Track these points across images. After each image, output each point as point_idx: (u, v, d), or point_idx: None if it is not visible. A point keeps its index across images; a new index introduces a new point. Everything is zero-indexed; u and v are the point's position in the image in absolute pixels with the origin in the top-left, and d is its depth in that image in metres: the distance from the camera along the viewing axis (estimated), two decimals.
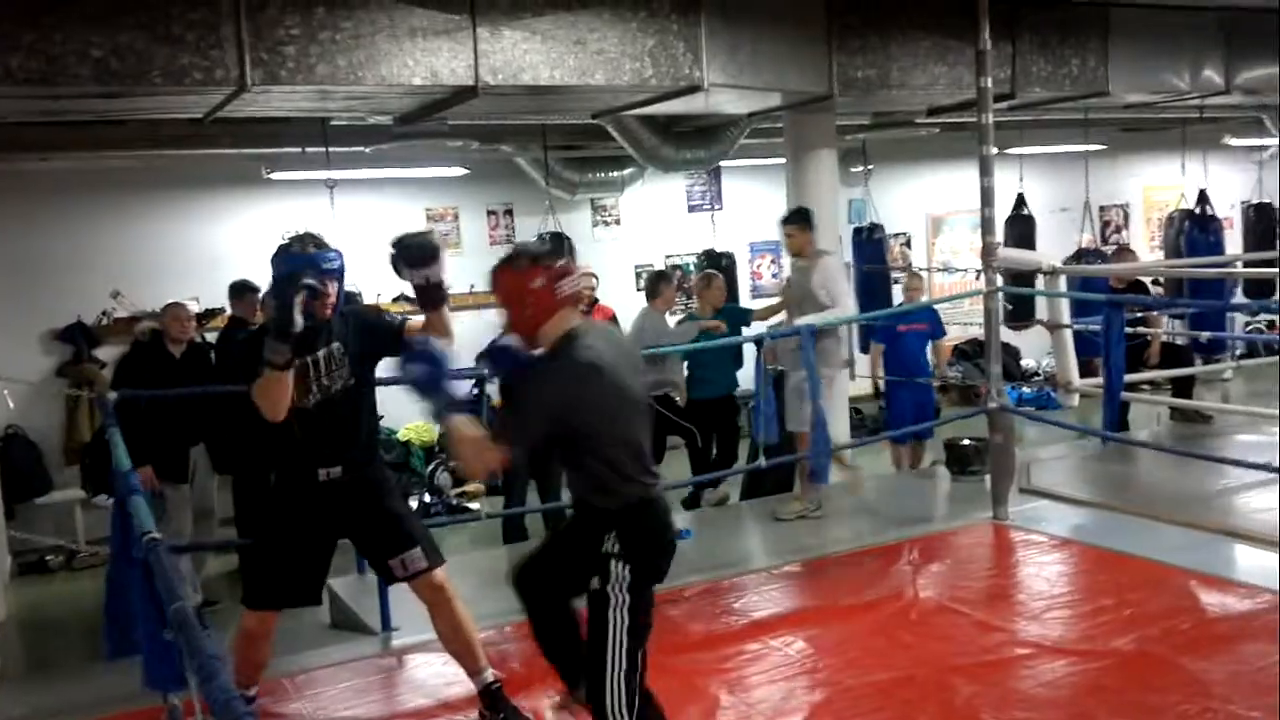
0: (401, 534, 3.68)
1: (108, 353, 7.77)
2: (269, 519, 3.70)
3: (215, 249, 8.45)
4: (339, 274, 3.58)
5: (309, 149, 6.85)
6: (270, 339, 3.30)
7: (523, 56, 4.80)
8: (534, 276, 2.93)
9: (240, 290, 6.80)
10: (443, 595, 3.69)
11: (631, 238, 10.72)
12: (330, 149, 6.64)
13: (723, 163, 9.52)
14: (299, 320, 3.29)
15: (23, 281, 7.64)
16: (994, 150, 5.56)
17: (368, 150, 7.05)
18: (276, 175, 8.10)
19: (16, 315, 7.55)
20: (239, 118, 5.51)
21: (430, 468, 9.15)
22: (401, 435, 9.13)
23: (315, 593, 3.82)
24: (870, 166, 10.68)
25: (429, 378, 2.89)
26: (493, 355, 3.05)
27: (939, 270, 11.83)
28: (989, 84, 5.39)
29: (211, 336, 7.34)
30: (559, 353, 2.92)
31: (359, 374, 3.62)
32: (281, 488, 3.66)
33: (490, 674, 3.73)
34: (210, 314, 7.77)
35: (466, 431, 2.92)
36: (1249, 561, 5.00)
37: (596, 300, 9.33)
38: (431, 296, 3.54)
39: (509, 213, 9.65)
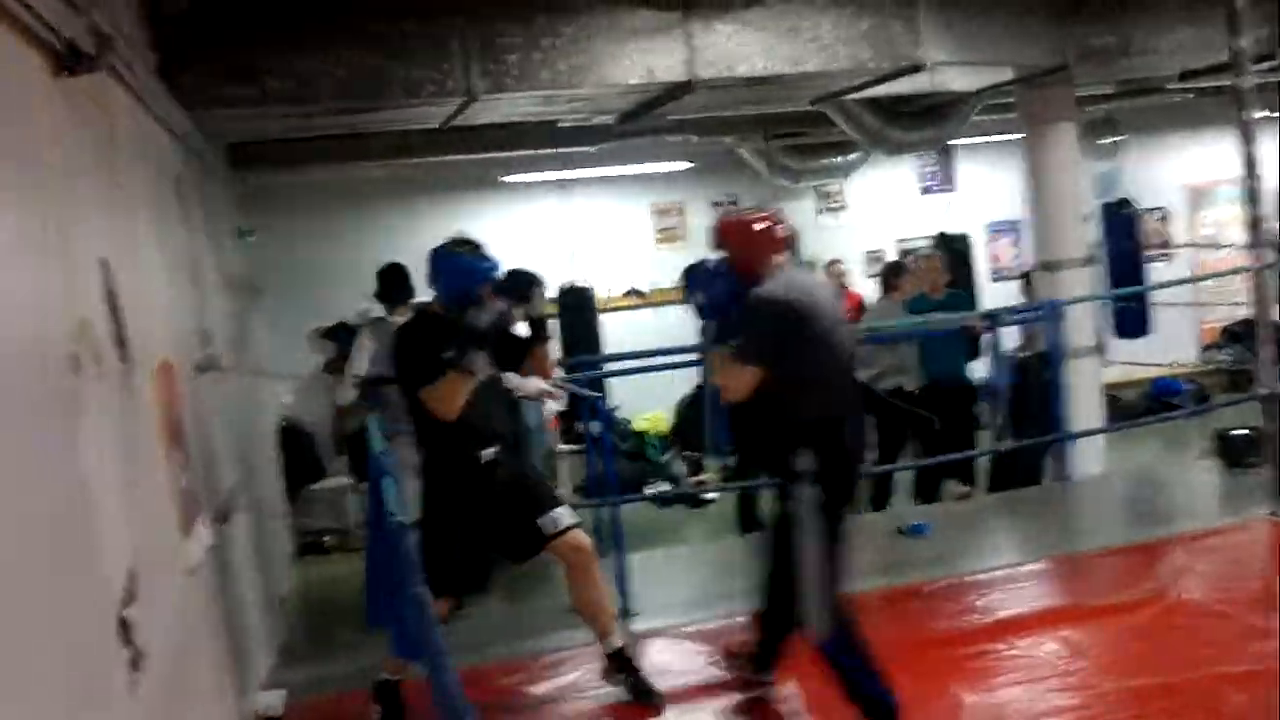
0: (548, 495, 3.91)
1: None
2: (438, 504, 3.80)
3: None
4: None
5: (539, 151, 7.09)
6: (470, 349, 3.50)
7: (736, 49, 4.80)
8: (758, 221, 3.51)
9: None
10: (584, 556, 3.82)
11: (860, 223, 10.49)
12: (559, 149, 6.85)
13: (954, 142, 9.15)
14: (485, 319, 3.54)
15: (293, 285, 8.30)
16: (1259, 114, 5.07)
17: (593, 150, 7.23)
18: (509, 178, 8.45)
19: (288, 316, 8.20)
20: (473, 125, 5.77)
21: (666, 457, 9.27)
22: (637, 425, 9.30)
23: (485, 580, 4.11)
24: (1121, 137, 9.95)
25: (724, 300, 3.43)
26: (704, 277, 3.54)
27: (1204, 246, 10.89)
28: (1246, 44, 4.90)
29: None
30: (769, 285, 3.37)
31: (495, 364, 3.80)
32: (448, 472, 3.78)
33: (618, 639, 3.93)
34: None
35: (722, 361, 3.45)
36: None
37: (845, 287, 9.22)
38: (539, 331, 3.92)
39: (734, 204, 9.64)
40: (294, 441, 8.16)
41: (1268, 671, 3.71)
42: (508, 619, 5.08)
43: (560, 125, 6.49)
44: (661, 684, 4.05)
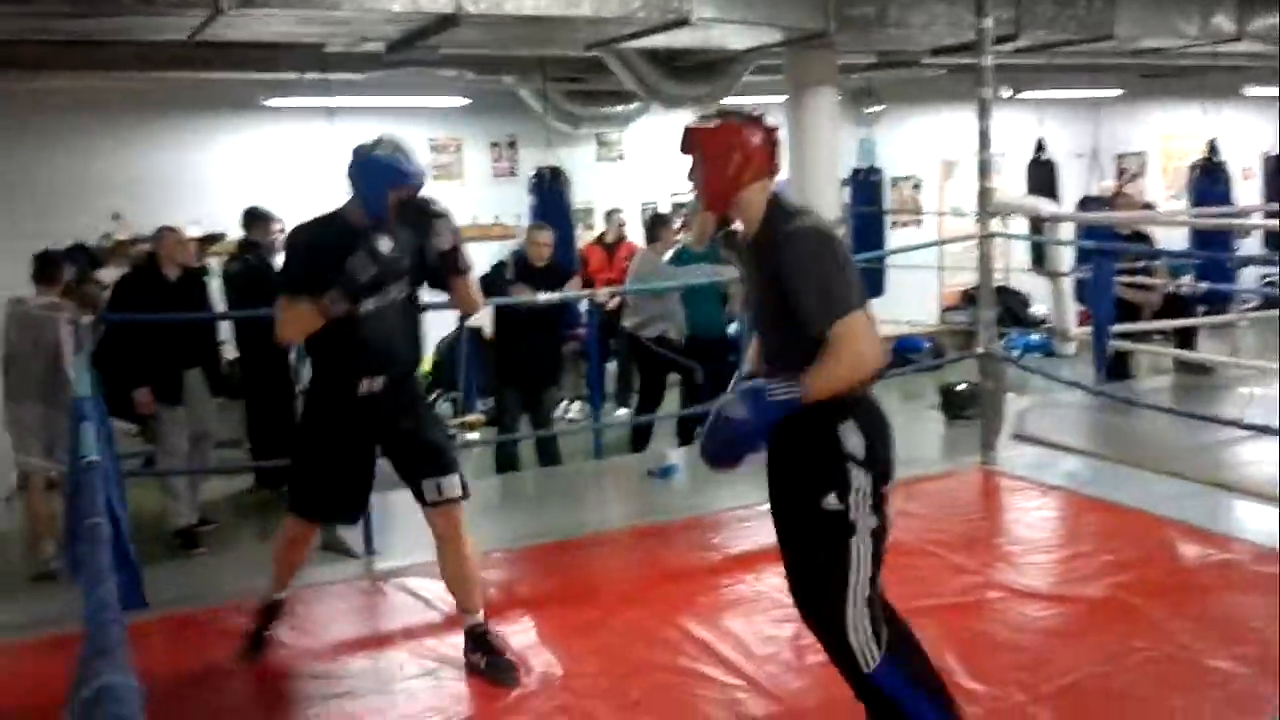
0: (444, 457, 3.60)
1: (110, 274, 7.79)
2: (309, 428, 3.64)
3: (214, 174, 8.44)
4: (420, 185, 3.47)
5: (302, 75, 6.79)
6: (337, 290, 3.24)
7: None
8: (754, 132, 2.64)
9: (254, 217, 6.81)
10: (459, 529, 3.61)
11: (636, 173, 10.64)
12: (325, 75, 6.58)
13: (728, 100, 9.39)
14: (370, 270, 3.23)
15: (21, 202, 7.66)
16: (996, 93, 5.47)
17: (362, 77, 6.98)
18: (274, 102, 8.05)
19: (16, 237, 7.56)
20: (230, 42, 5.46)
21: (431, 398, 9.18)
22: None
23: (356, 510, 3.83)
24: (881, 106, 10.52)
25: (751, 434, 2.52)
26: (751, 402, 2.50)
27: (949, 214, 11.69)
28: (989, 24, 5.28)
29: (213, 262, 7.37)
30: (789, 215, 2.60)
31: (414, 288, 3.53)
32: (321, 397, 3.60)
33: (480, 617, 3.68)
34: (212, 239, 7.77)
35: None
36: (1233, 513, 5.01)
37: (624, 238, 9.32)
38: (453, 262, 3.47)
39: (512, 145, 9.59)
40: None
41: (958, 604, 4.11)
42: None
43: (326, 49, 6.22)
44: (402, 621, 4.08)
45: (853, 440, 2.58)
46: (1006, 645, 3.80)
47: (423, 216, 3.38)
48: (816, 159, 6.49)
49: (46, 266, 5.98)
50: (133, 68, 6.19)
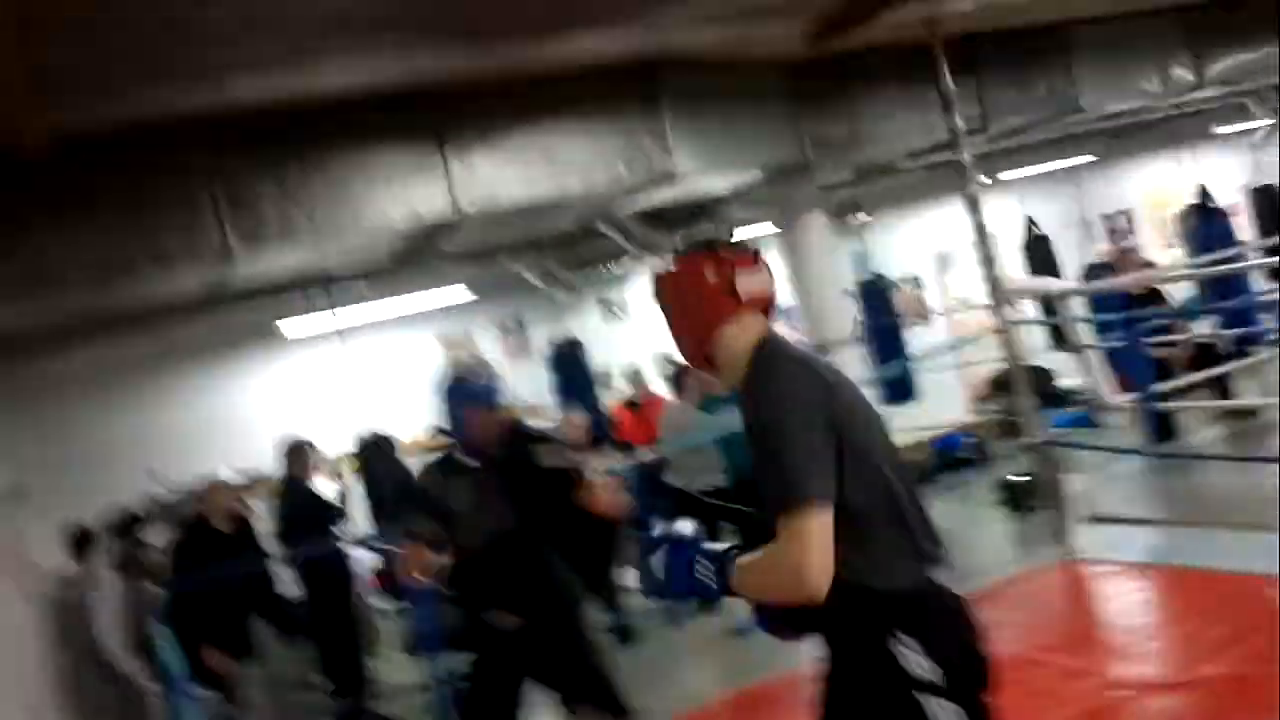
0: (584, 691, 3.64)
1: (157, 536, 7.74)
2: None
3: (241, 412, 8.52)
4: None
5: (312, 296, 6.91)
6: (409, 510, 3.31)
7: (496, 179, 4.83)
8: (705, 266, 2.18)
9: (293, 450, 6.80)
10: None
11: (643, 328, 10.70)
12: (335, 295, 6.69)
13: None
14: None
15: (54, 476, 7.66)
16: (983, 182, 5.53)
17: (370, 291, 7.11)
18: (290, 333, 8.18)
19: (55, 509, 7.57)
20: (242, 289, 5.57)
21: None
22: None
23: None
24: (867, 216, 10.66)
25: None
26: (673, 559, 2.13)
27: (956, 310, 11.70)
28: (960, 124, 5.39)
29: (255, 503, 7.30)
30: (772, 360, 2.13)
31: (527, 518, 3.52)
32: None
33: None
34: (251, 483, 7.72)
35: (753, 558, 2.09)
36: None
37: (649, 394, 9.26)
38: (565, 481, 3.58)
39: (519, 324, 9.68)
40: None
41: (1098, 709, 3.88)
42: None
43: (334, 275, 6.36)
44: None
45: (914, 660, 1.97)
46: None
47: (520, 440, 3.44)
48: (819, 280, 6.54)
49: (82, 541, 6.07)
50: (132, 331, 6.28)
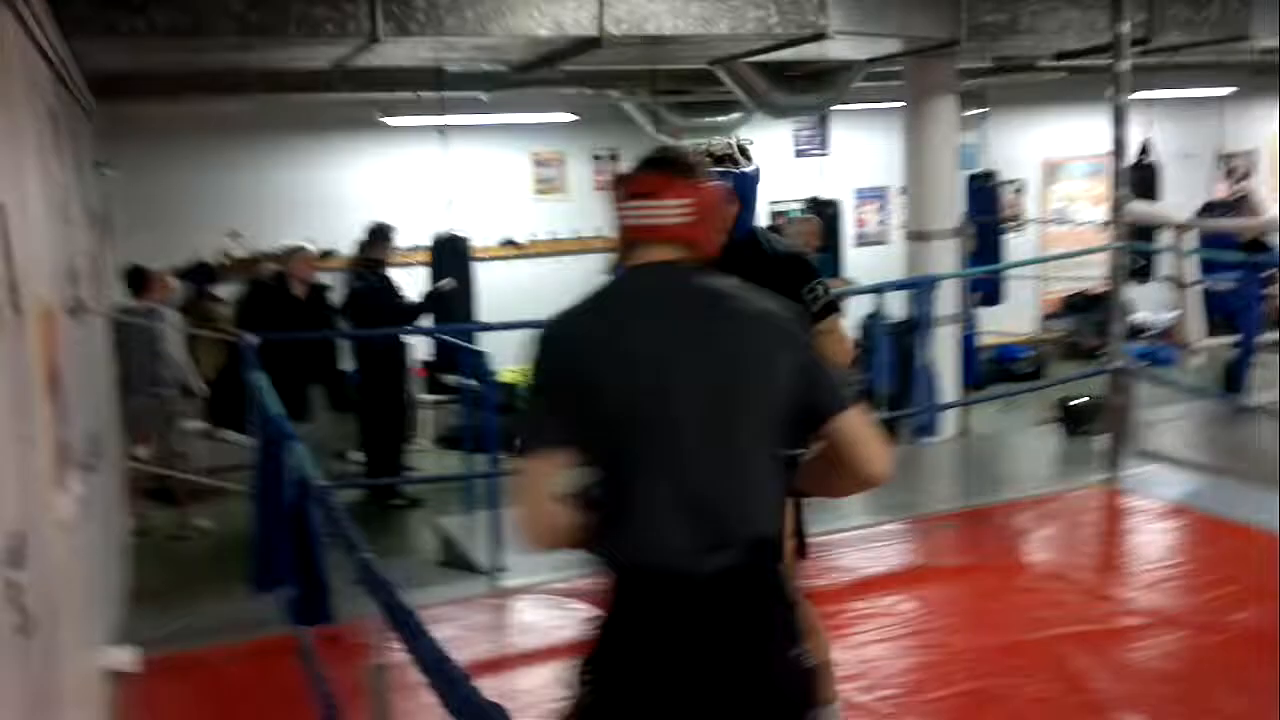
0: None
1: (225, 290, 8.01)
2: None
3: (330, 192, 8.63)
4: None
5: (423, 94, 6.90)
6: None
7: (646, 5, 4.73)
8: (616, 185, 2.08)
9: (377, 234, 6.93)
10: None
11: None
12: (445, 94, 6.67)
13: (836, 108, 9.33)
14: None
15: (148, 220, 7.89)
16: (1120, 96, 5.32)
17: (485, 97, 7.08)
18: (391, 120, 8.19)
19: (141, 253, 7.82)
20: (357, 66, 5.57)
21: None
22: (504, 377, 9.20)
23: None
24: (985, 109, 10.34)
25: None
26: None
27: (1054, 221, 11.45)
28: (1127, 29, 5.15)
29: (326, 277, 7.51)
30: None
31: None
32: None
33: None
34: (325, 255, 7.93)
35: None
36: None
37: None
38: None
39: (614, 157, 9.61)
40: None
41: (1104, 631, 4.03)
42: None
43: (449, 70, 6.32)
44: (528, 641, 4.10)
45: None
46: (1160, 677, 3.73)
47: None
48: (936, 169, 6.41)
49: (137, 278, 6.49)
50: (263, 91, 6.34)
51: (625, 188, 2.01)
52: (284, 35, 4.16)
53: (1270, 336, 7.62)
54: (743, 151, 3.01)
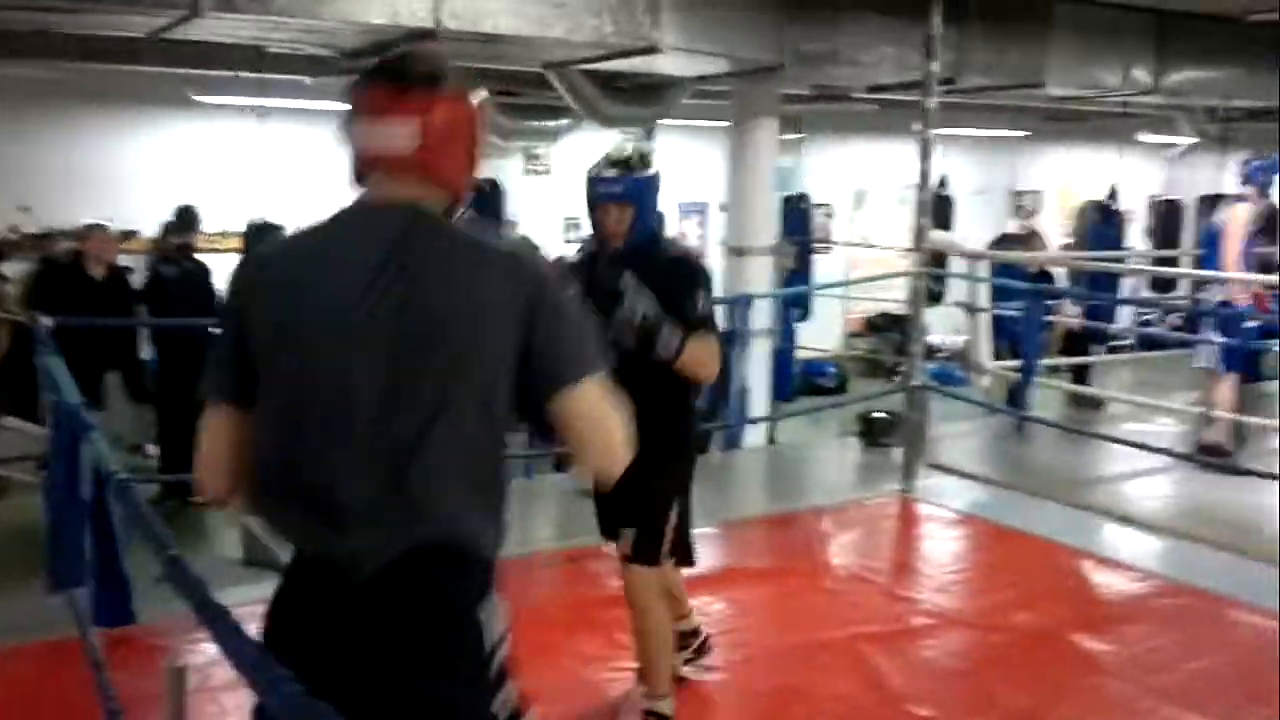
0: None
1: (12, 268, 7.44)
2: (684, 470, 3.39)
3: (133, 170, 8.16)
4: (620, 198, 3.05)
5: (240, 74, 6.62)
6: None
7: (484, 2, 4.71)
8: (481, 112, 1.73)
9: (188, 218, 6.58)
10: (632, 593, 3.29)
11: (562, 188, 10.65)
12: (264, 76, 6.43)
13: (663, 123, 9.52)
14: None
15: None
16: (927, 132, 5.67)
17: (309, 81, 6.85)
18: (204, 98, 7.82)
19: None
20: (173, 39, 5.29)
21: None
22: None
23: None
24: (802, 136, 10.78)
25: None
26: None
27: (860, 245, 12.04)
28: (936, 67, 5.48)
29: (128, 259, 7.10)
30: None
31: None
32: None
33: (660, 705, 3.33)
34: (127, 235, 7.49)
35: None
36: (1137, 546, 5.28)
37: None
38: None
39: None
40: None
41: (899, 631, 4.26)
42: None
43: (269, 50, 6.09)
44: None
45: None
46: (951, 674, 3.96)
47: None
48: (756, 188, 6.63)
49: None
50: (65, 58, 5.93)
51: (354, 103, 1.67)
52: (101, 1, 3.92)
53: (1050, 361, 8.27)
54: (642, 158, 3.12)
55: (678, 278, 3.00)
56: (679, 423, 3.28)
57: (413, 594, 1.57)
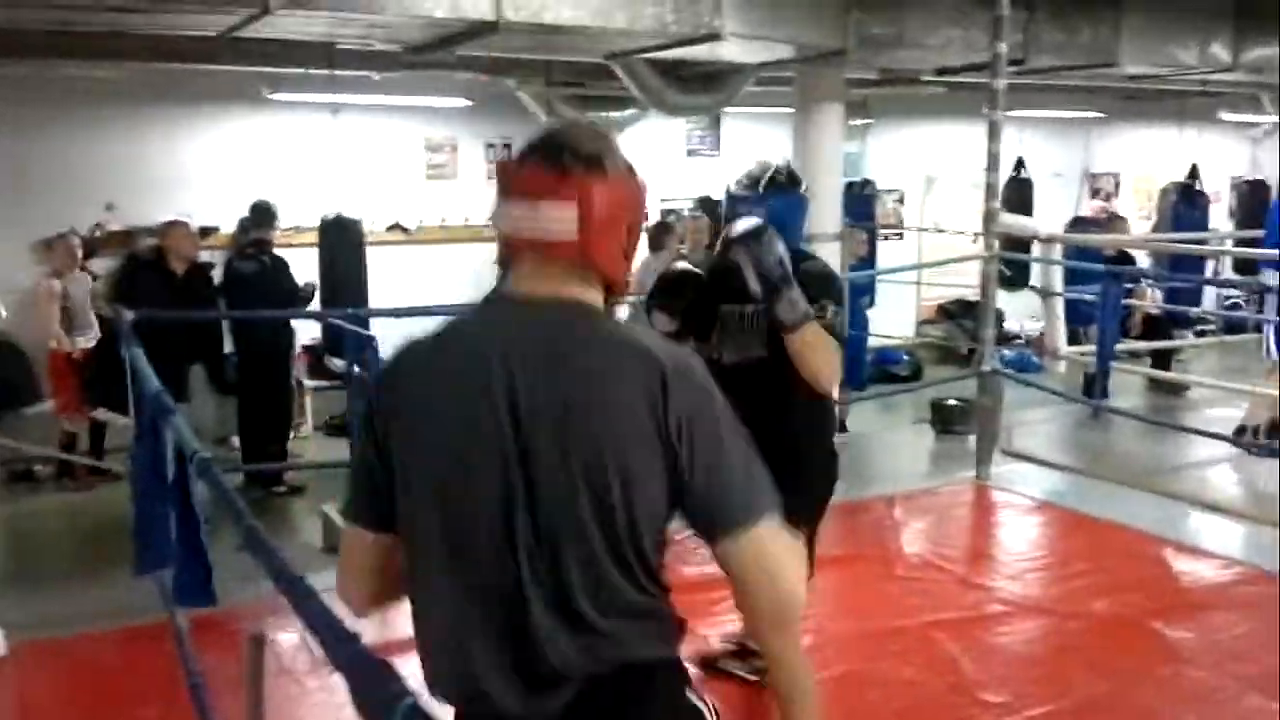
0: None
1: (99, 265, 7.69)
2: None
3: (211, 167, 8.36)
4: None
5: (311, 70, 6.75)
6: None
7: None
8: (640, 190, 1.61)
9: (264, 214, 6.75)
10: None
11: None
12: (334, 72, 6.54)
13: (729, 109, 9.47)
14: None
15: (18, 189, 7.53)
16: (1000, 114, 5.58)
17: (377, 77, 6.97)
18: (278, 96, 7.99)
19: (10, 223, 7.45)
20: (245, 37, 5.42)
21: None
22: None
23: None
24: (870, 120, 10.66)
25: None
26: None
27: (932, 231, 11.87)
28: (1004, 49, 5.39)
29: (208, 255, 7.29)
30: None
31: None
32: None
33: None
34: (206, 232, 7.69)
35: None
36: (1217, 533, 5.17)
37: None
38: None
39: (508, 146, 9.56)
40: (7, 360, 7.44)
41: (973, 618, 4.22)
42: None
43: (339, 46, 6.20)
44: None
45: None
46: (1026, 660, 3.92)
47: None
48: (823, 174, 6.55)
49: None
50: (145, 59, 6.10)
51: (506, 181, 1.54)
52: (173, 1, 4.03)
53: (1128, 346, 8.09)
54: (789, 175, 3.05)
55: (808, 286, 2.86)
56: (807, 461, 3.07)
57: None
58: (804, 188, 3.08)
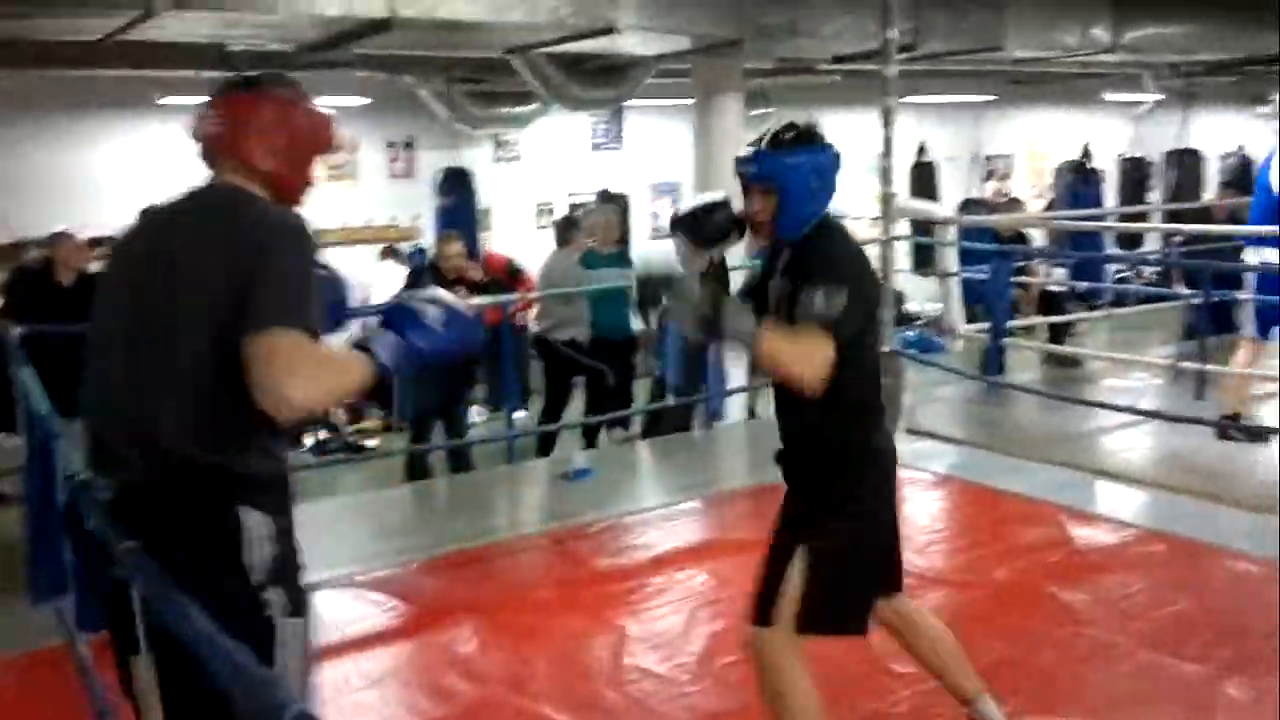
0: None
1: None
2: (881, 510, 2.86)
3: (102, 176, 8.13)
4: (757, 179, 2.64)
5: (203, 73, 6.59)
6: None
7: None
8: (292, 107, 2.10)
9: None
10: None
11: (533, 174, 10.65)
12: (227, 75, 6.40)
13: (626, 102, 9.52)
14: None
15: None
16: (898, 100, 5.71)
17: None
18: (168, 100, 7.79)
19: None
20: (133, 40, 5.28)
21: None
22: None
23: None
24: (771, 110, 10.78)
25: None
26: None
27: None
28: (895, 35, 5.52)
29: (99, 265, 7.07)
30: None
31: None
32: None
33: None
34: (98, 242, 7.45)
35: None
36: (1113, 498, 5.36)
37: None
38: None
39: (409, 145, 9.49)
40: None
41: None
42: None
43: (231, 48, 6.07)
44: (336, 634, 4.04)
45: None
46: None
47: None
48: (723, 164, 6.61)
49: None
50: (31, 66, 5.91)
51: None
52: (51, 5, 3.91)
53: (1021, 322, 8.34)
54: (798, 133, 2.63)
55: (809, 271, 2.52)
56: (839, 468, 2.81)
57: (165, 504, 1.92)
58: (813, 148, 2.65)
